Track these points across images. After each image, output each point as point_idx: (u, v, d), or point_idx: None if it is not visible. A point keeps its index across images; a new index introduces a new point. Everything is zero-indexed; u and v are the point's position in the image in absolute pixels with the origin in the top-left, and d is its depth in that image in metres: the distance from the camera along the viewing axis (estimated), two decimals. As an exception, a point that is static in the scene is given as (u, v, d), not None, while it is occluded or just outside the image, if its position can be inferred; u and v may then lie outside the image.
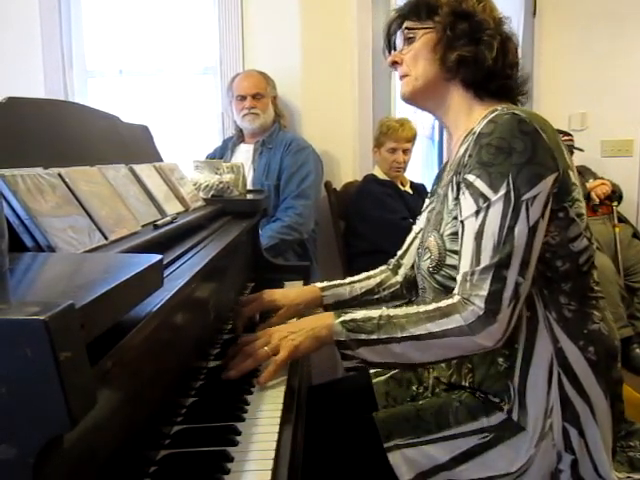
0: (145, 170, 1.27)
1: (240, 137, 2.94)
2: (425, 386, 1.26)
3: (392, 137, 2.76)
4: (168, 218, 1.17)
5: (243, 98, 2.81)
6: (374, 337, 1.01)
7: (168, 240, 1.09)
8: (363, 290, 1.38)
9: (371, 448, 1.08)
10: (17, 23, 3.08)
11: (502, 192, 0.99)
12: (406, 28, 1.18)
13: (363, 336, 1.02)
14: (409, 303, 1.38)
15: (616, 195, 3.22)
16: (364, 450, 1.10)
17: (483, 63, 1.11)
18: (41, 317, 0.43)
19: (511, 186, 0.98)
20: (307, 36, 3.02)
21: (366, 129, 3.08)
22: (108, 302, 0.54)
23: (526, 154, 0.99)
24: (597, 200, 3.17)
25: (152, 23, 3.18)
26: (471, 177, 1.03)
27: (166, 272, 0.91)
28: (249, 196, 1.93)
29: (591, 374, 1.04)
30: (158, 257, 0.68)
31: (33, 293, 0.60)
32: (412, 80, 1.18)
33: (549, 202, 1.01)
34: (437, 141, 3.64)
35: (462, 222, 1.03)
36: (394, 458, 1.05)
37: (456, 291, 1.02)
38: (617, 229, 3.16)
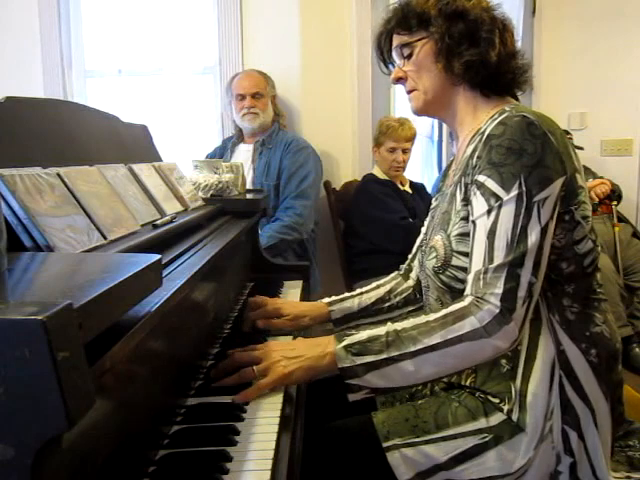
0: (144, 170, 1.27)
1: (240, 137, 2.94)
2: (424, 385, 1.26)
3: (391, 137, 2.76)
4: (167, 218, 1.17)
5: (242, 98, 2.81)
6: (384, 357, 0.96)
7: (167, 240, 1.09)
8: (372, 300, 1.36)
9: (370, 448, 1.07)
10: (16, 23, 3.08)
11: (515, 192, 0.98)
12: (401, 45, 1.17)
13: (370, 358, 0.96)
14: (421, 309, 1.34)
15: (616, 194, 3.22)
16: (363, 450, 1.10)
17: (489, 62, 1.11)
18: (39, 317, 0.43)
19: (523, 187, 0.98)
20: (306, 36, 3.02)
21: (365, 129, 3.08)
22: (106, 302, 0.54)
23: (536, 157, 0.99)
24: (597, 199, 3.16)
25: (151, 23, 3.18)
26: (482, 177, 1.02)
27: (165, 272, 0.91)
28: (248, 196, 1.92)
29: (592, 377, 1.04)
30: (157, 257, 0.68)
31: (31, 293, 0.60)
32: (421, 94, 1.17)
33: (557, 205, 1.01)
34: (436, 141, 3.64)
35: (473, 222, 1.03)
36: (393, 458, 1.05)
37: (468, 291, 0.99)
38: (617, 228, 3.16)
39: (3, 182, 0.75)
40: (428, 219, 1.30)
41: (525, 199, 0.98)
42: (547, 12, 3.35)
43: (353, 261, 2.82)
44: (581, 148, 3.17)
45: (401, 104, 3.23)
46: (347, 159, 3.12)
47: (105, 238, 0.88)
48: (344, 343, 0.99)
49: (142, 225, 1.06)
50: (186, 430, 0.90)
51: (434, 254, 1.13)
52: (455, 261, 1.08)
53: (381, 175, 2.82)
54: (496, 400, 1.07)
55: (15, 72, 3.07)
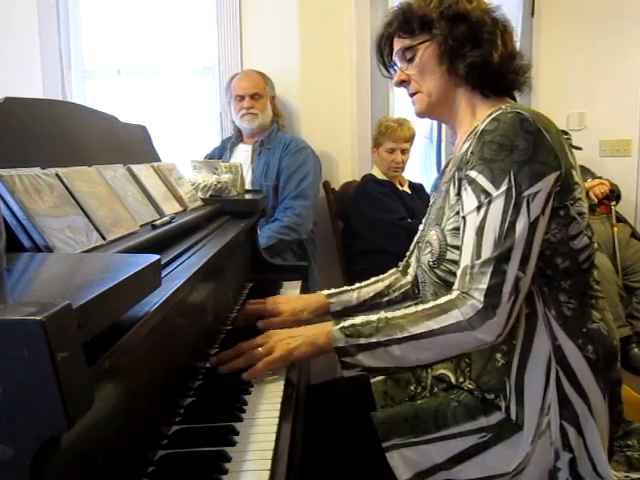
0: (143, 170, 1.27)
1: (239, 137, 2.94)
2: (423, 386, 1.26)
3: (390, 137, 2.76)
4: (166, 218, 1.17)
5: (241, 98, 2.81)
6: (374, 340, 1.01)
7: (166, 240, 1.09)
8: (371, 294, 1.38)
9: (369, 448, 1.08)
10: (15, 23, 3.08)
11: (504, 188, 0.99)
12: (403, 49, 1.17)
13: (362, 340, 1.01)
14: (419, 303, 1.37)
15: (614, 195, 3.22)
16: (362, 450, 1.10)
17: (492, 63, 1.11)
18: (38, 317, 0.43)
19: (512, 182, 0.99)
20: (305, 36, 3.02)
21: (364, 129, 3.08)
22: (105, 302, 0.54)
23: (528, 152, 1.00)
24: (595, 200, 3.17)
25: (150, 23, 3.18)
26: (473, 173, 1.03)
27: (164, 272, 0.91)
28: (247, 196, 1.92)
29: (590, 373, 1.04)
30: (156, 257, 0.68)
31: (30, 293, 0.60)
32: (425, 97, 1.18)
33: (550, 200, 1.01)
34: (435, 141, 3.64)
35: (464, 217, 1.04)
36: (392, 458, 1.05)
37: (455, 286, 1.02)
38: (615, 229, 3.16)
39: (2, 182, 0.75)
40: (425, 216, 1.31)
41: (514, 194, 0.99)
42: (546, 13, 3.35)
43: (352, 261, 2.82)
44: (579, 148, 3.17)
45: (400, 104, 3.23)
46: (346, 159, 3.12)
47: (104, 238, 0.88)
48: (340, 325, 1.04)
49: (141, 225, 1.06)
50: (185, 430, 0.90)
51: (429, 249, 1.14)
52: (450, 255, 1.09)
53: (380, 175, 2.82)
54: (492, 396, 1.07)
55: (14, 72, 3.07)
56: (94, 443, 0.61)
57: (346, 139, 3.10)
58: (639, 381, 2.60)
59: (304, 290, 1.76)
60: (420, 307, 1.03)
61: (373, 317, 1.04)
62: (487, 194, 1.01)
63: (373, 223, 2.68)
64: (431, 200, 1.32)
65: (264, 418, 0.94)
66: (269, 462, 0.80)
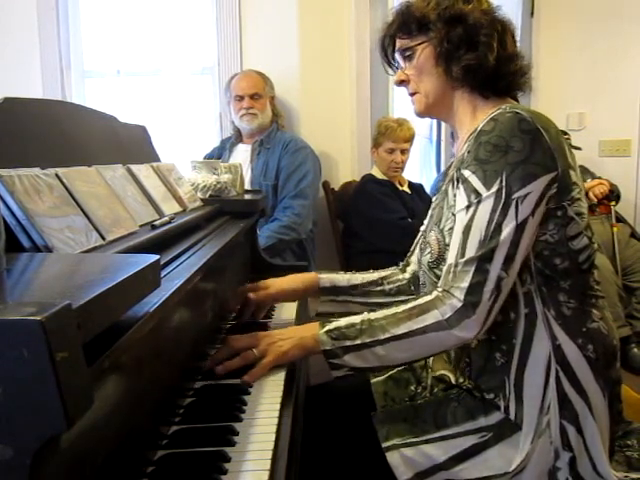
0: (143, 170, 1.27)
1: (238, 137, 2.94)
2: (423, 386, 1.26)
3: (390, 137, 2.76)
4: (166, 218, 1.17)
5: (241, 98, 2.81)
6: (358, 342, 1.03)
7: (166, 240, 1.09)
8: (365, 280, 1.38)
9: (369, 448, 1.08)
10: (15, 23, 3.08)
11: (494, 189, 1.00)
12: (402, 49, 1.18)
13: (348, 343, 1.03)
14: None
15: (614, 195, 3.22)
16: (362, 450, 1.10)
17: (487, 66, 1.11)
18: (37, 317, 0.43)
19: (503, 183, 1.00)
20: (305, 36, 3.02)
21: (364, 129, 3.08)
22: (105, 302, 0.54)
23: (523, 153, 1.00)
24: (595, 200, 3.17)
25: (150, 23, 3.18)
26: (467, 173, 1.04)
27: (163, 272, 0.91)
28: (247, 196, 1.92)
29: (589, 372, 1.04)
30: (155, 257, 0.68)
31: (30, 293, 0.60)
32: (423, 97, 1.18)
33: (542, 201, 1.01)
34: (435, 141, 3.64)
35: (454, 215, 1.05)
36: (392, 458, 1.05)
37: (439, 284, 1.03)
38: (615, 229, 3.16)
39: (2, 183, 0.75)
40: (427, 218, 1.31)
41: (504, 195, 0.99)
42: (545, 13, 3.35)
43: (352, 261, 2.82)
44: (579, 148, 3.17)
45: (400, 104, 3.23)
46: (346, 159, 3.12)
47: (103, 239, 0.88)
48: (325, 328, 1.06)
49: (141, 226, 1.06)
50: (185, 430, 0.89)
51: (428, 249, 1.15)
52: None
53: (380, 175, 2.82)
54: (492, 396, 1.07)
55: (14, 72, 3.07)
56: (94, 443, 0.61)
57: (346, 139, 3.10)
58: (639, 381, 2.60)
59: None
60: (401, 308, 1.04)
61: (357, 319, 1.06)
62: (477, 194, 1.01)
63: (373, 223, 2.68)
64: (433, 202, 1.32)
65: (264, 418, 0.94)
66: (268, 462, 0.80)
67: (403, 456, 1.05)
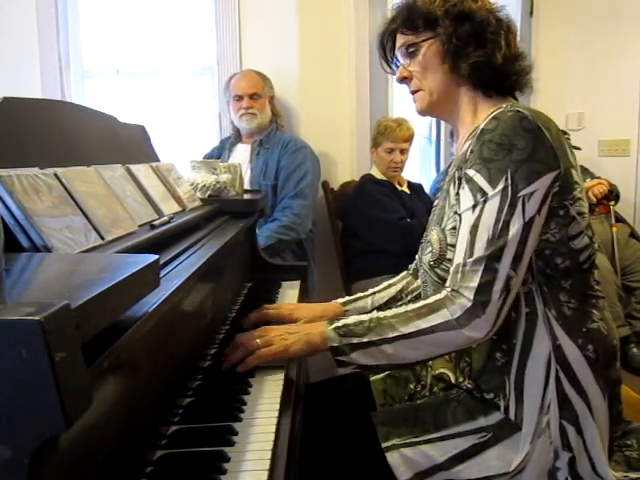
0: (142, 170, 1.27)
1: (237, 137, 2.94)
2: (423, 384, 1.26)
3: (389, 137, 2.76)
4: (165, 218, 1.17)
5: (240, 98, 2.81)
6: (366, 340, 1.02)
7: (165, 240, 1.09)
8: (385, 299, 1.38)
9: (369, 448, 1.08)
10: (15, 24, 3.07)
11: (500, 187, 1.00)
12: (406, 45, 1.17)
13: (355, 340, 1.03)
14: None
15: (613, 195, 3.22)
16: (362, 450, 1.10)
17: (495, 63, 1.11)
18: (36, 317, 0.43)
19: (509, 181, 0.99)
20: (304, 36, 3.02)
21: (363, 129, 3.08)
22: (104, 302, 0.54)
23: (526, 151, 1.00)
24: (594, 200, 3.17)
25: (149, 23, 3.18)
26: (471, 172, 1.04)
27: (163, 272, 0.91)
28: (246, 196, 1.93)
29: (589, 372, 1.04)
30: (155, 257, 0.68)
31: (29, 293, 0.60)
32: (427, 95, 1.17)
33: (547, 199, 1.01)
34: (434, 141, 3.64)
35: (460, 215, 1.05)
36: (392, 458, 1.05)
37: (447, 283, 1.03)
38: (614, 229, 3.16)
39: (1, 183, 0.75)
40: (430, 217, 1.31)
41: (510, 194, 0.99)
42: (544, 12, 3.35)
43: (351, 261, 2.82)
44: (578, 148, 3.17)
45: (399, 104, 3.23)
46: (345, 159, 3.12)
47: (103, 238, 0.88)
48: (333, 325, 1.06)
49: (140, 225, 1.06)
50: (184, 430, 0.89)
51: (429, 249, 1.14)
52: (450, 255, 1.09)
53: (379, 175, 2.82)
54: (491, 396, 1.07)
55: (13, 72, 3.06)
56: (93, 443, 0.61)
57: (345, 139, 3.10)
58: (638, 381, 2.60)
59: (303, 290, 1.76)
60: (410, 307, 1.04)
61: (365, 317, 1.05)
62: (483, 193, 1.01)
63: (372, 223, 2.68)
64: (435, 201, 1.32)
65: (263, 418, 0.94)
66: (268, 462, 0.80)
67: (403, 456, 1.05)
